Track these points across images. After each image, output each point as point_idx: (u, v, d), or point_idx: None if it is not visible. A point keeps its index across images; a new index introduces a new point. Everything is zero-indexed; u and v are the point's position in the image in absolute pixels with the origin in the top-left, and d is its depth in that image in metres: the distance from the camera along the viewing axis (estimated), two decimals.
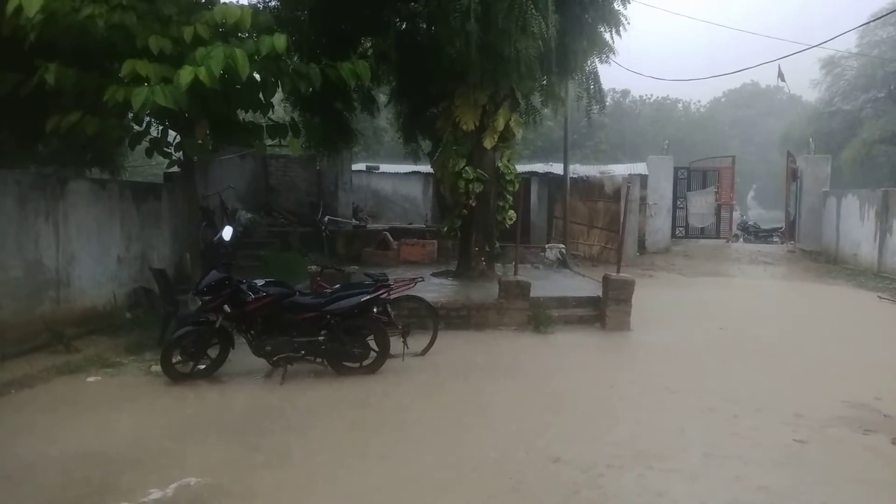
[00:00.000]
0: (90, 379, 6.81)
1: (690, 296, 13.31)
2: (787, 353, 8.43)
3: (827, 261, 18.10)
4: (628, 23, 11.08)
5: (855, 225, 17.15)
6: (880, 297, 12.91)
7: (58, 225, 8.12)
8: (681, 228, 20.57)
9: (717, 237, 20.87)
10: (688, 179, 20.74)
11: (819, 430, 5.55)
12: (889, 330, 10.37)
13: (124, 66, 6.74)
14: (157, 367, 6.79)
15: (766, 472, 4.69)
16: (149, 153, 8.43)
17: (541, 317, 9.43)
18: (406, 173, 21.41)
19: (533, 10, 9.16)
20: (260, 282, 7.00)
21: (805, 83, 36.50)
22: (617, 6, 10.96)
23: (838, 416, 5.90)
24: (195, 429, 5.44)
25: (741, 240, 24.67)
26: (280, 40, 7.06)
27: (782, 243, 22.07)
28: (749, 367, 7.74)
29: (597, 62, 11.63)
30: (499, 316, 9.48)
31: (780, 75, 23.20)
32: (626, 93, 46.33)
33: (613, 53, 11.55)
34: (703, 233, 20.89)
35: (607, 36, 11.21)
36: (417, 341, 7.70)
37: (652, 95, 48.58)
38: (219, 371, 6.85)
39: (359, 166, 21.52)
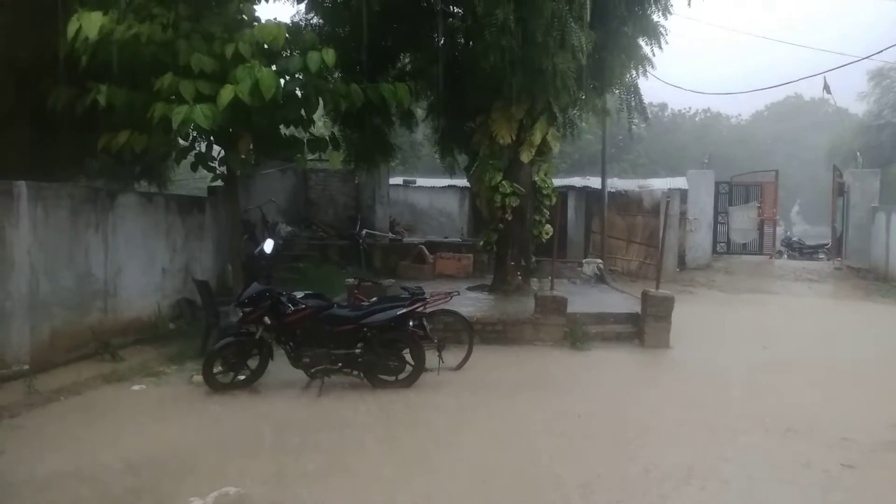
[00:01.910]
0: (135, 387, 7.01)
1: (732, 313, 13.01)
2: (832, 374, 8.18)
3: (876, 278, 17.51)
4: (668, 35, 10.99)
5: None
6: None
7: (107, 237, 8.37)
8: (722, 244, 20.13)
9: (760, 253, 20.35)
10: (729, 194, 20.31)
11: (867, 454, 5.36)
12: None
13: (158, 82, 6.98)
14: (198, 377, 6.94)
15: (813, 497, 4.55)
16: (194, 167, 8.67)
17: (577, 333, 9.32)
18: (442, 187, 21.49)
19: (572, 24, 9.16)
20: (299, 294, 7.12)
21: (852, 96, 35.52)
22: (657, 18, 10.90)
23: (887, 440, 5.70)
24: (235, 439, 5.54)
25: (785, 256, 24.04)
26: (329, 55, 7.29)
27: (828, 260, 21.43)
28: (792, 387, 7.52)
29: (636, 76, 11.58)
30: (535, 331, 9.41)
31: (826, 88, 22.66)
32: (663, 106, 45.72)
33: (653, 67, 11.48)
34: (745, 248, 20.40)
35: (647, 49, 11.17)
36: (453, 355, 7.71)
37: (691, 108, 47.96)
38: (258, 382, 6.96)
39: (396, 180, 21.68)
